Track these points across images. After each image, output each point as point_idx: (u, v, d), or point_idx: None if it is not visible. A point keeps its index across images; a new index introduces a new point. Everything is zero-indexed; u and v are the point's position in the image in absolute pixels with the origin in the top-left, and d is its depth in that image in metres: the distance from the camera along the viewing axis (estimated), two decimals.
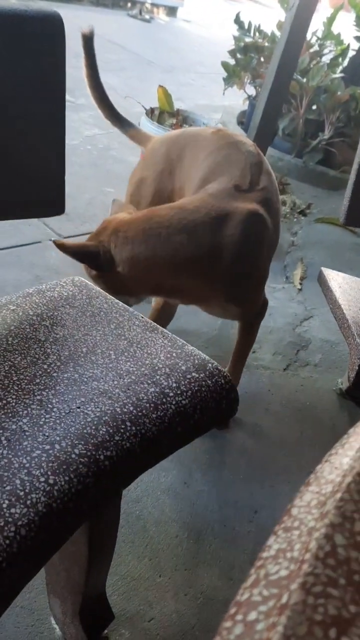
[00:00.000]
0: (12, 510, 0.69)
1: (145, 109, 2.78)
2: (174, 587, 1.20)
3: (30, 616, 1.08)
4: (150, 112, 2.76)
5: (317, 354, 2.07)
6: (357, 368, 1.13)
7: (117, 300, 1.12)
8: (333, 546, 0.27)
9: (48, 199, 1.16)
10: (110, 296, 1.13)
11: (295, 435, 1.68)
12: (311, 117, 3.52)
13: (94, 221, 2.64)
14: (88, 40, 1.70)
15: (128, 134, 1.92)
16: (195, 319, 2.05)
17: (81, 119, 3.78)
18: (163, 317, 1.65)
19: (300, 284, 2.52)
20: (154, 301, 1.67)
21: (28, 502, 0.71)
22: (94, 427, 0.82)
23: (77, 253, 1.42)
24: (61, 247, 1.36)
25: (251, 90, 3.88)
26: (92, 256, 1.42)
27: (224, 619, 0.26)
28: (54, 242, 1.35)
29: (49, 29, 1.05)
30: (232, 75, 3.80)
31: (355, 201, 1.39)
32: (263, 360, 1.99)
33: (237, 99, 4.30)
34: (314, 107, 3.55)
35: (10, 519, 0.68)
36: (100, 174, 3.10)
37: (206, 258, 1.29)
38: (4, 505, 0.69)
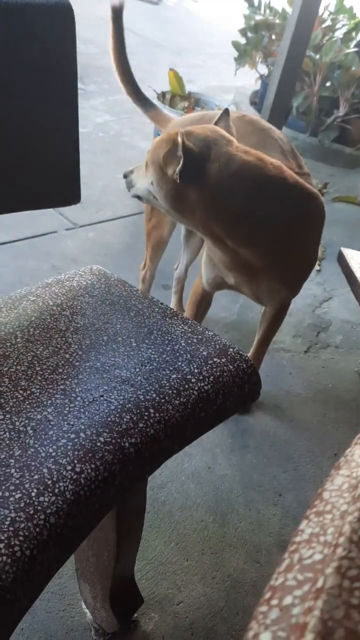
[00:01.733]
0: (41, 499, 0.70)
1: (157, 92, 2.75)
2: (201, 570, 1.21)
3: (61, 601, 1.10)
4: (161, 96, 2.73)
5: (337, 335, 2.06)
6: None
7: (136, 288, 1.12)
8: None
9: (64, 188, 1.15)
10: (129, 284, 1.13)
11: (318, 418, 1.68)
12: (325, 94, 3.46)
13: (108, 208, 2.64)
14: (117, 13, 1.66)
15: (148, 114, 1.88)
16: (214, 304, 2.04)
17: (92, 106, 3.76)
18: (202, 305, 1.59)
19: (319, 265, 2.49)
20: (194, 291, 1.58)
21: (56, 490, 0.72)
22: (117, 415, 0.83)
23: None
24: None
25: (263, 70, 3.82)
26: (191, 162, 1.17)
27: (259, 604, 0.26)
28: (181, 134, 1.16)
29: (59, 17, 1.04)
30: (243, 55, 3.75)
31: None
32: (283, 342, 1.98)
33: (249, 79, 4.24)
34: (328, 83, 3.49)
35: (39, 507, 0.69)
36: (113, 161, 3.09)
37: (282, 229, 1.27)
38: (33, 494, 0.70)
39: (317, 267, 2.47)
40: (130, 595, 1.07)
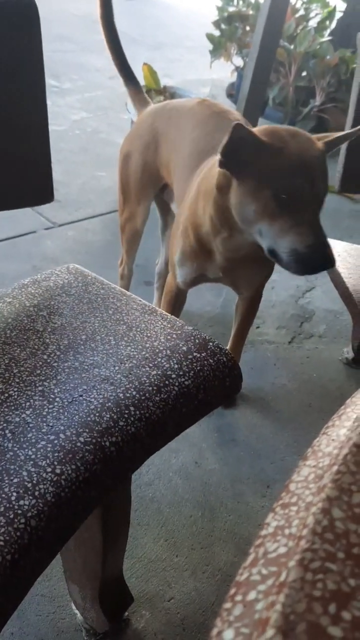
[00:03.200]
0: (21, 502, 0.69)
1: None
2: (191, 565, 1.21)
3: (50, 603, 1.10)
4: None
5: (321, 325, 2.06)
6: None
7: (113, 285, 1.11)
8: (331, 520, 0.27)
9: (35, 187, 1.14)
10: (107, 281, 1.12)
11: (304, 408, 1.68)
12: (301, 84, 3.46)
13: (87, 207, 2.63)
14: None
15: (128, 88, 1.81)
16: (197, 299, 2.04)
17: (68, 103, 3.74)
18: (178, 303, 1.55)
19: None
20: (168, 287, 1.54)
21: (36, 493, 0.71)
22: (97, 414, 0.82)
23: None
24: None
25: (238, 61, 3.81)
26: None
27: (225, 600, 0.25)
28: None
29: (23, 16, 1.03)
30: (218, 47, 3.73)
31: (348, 167, 1.36)
32: (267, 334, 1.98)
33: (225, 71, 4.24)
34: (304, 73, 3.49)
35: (19, 511, 0.68)
36: (91, 159, 3.07)
37: None
38: (13, 498, 0.69)
39: None
40: (119, 595, 1.06)
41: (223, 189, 1.18)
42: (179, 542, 1.25)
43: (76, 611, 1.08)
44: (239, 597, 0.25)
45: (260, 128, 1.14)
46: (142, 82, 2.89)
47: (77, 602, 1.06)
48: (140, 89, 1.82)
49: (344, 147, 1.39)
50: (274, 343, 1.94)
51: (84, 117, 3.59)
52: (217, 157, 1.14)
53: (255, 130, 1.13)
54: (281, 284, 2.24)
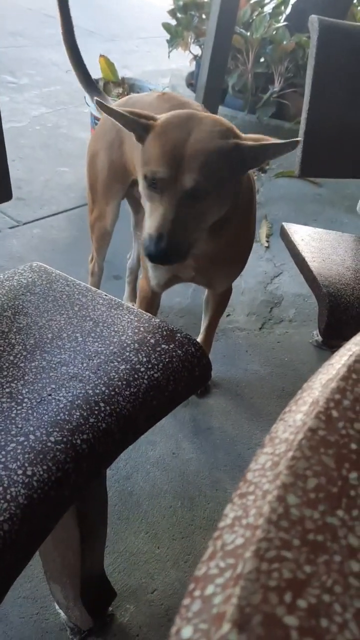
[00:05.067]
0: None
1: None
2: (173, 556, 1.21)
3: (33, 605, 1.09)
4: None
5: (290, 309, 2.08)
6: (326, 319, 1.13)
7: (78, 282, 1.10)
8: (286, 507, 0.27)
9: None
10: (71, 278, 1.11)
11: (277, 392, 1.69)
12: (259, 70, 3.47)
13: (52, 203, 2.59)
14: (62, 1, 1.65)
15: (95, 101, 1.83)
16: (167, 290, 2.03)
17: (26, 99, 3.67)
18: (154, 307, 1.53)
19: (267, 241, 2.51)
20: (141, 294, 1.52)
21: (8, 496, 0.70)
22: (67, 413, 0.81)
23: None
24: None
25: (196, 50, 3.80)
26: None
27: (184, 597, 0.25)
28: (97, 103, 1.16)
29: None
30: (175, 36, 3.71)
31: (307, 152, 1.37)
32: (238, 322, 1.99)
33: (184, 61, 4.22)
34: (262, 60, 3.49)
35: None
36: (53, 154, 3.03)
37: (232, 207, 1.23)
38: None
39: (265, 244, 2.48)
40: (102, 591, 1.06)
41: None
42: (160, 534, 1.25)
43: (59, 610, 1.07)
44: (197, 593, 0.24)
45: (169, 113, 1.14)
46: (99, 74, 2.86)
47: (60, 602, 1.06)
48: (104, 95, 1.82)
49: (301, 131, 1.40)
50: (244, 330, 1.95)
51: (44, 113, 3.54)
52: None
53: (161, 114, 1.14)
54: (249, 272, 2.25)
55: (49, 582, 1.05)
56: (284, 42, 3.33)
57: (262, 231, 2.59)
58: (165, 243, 1.06)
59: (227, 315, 2.00)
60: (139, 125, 1.13)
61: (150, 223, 1.09)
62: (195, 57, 3.82)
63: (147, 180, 1.09)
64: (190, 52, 3.81)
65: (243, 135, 1.13)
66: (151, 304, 1.49)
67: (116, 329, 0.97)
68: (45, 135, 3.24)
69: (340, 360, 0.39)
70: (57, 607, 1.08)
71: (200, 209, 1.08)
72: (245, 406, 1.63)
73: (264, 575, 0.24)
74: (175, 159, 1.06)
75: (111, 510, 1.29)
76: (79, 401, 0.83)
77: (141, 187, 1.13)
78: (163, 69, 4.59)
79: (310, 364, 1.82)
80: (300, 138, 1.43)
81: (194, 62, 3.90)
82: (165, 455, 1.44)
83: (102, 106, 1.17)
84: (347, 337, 1.38)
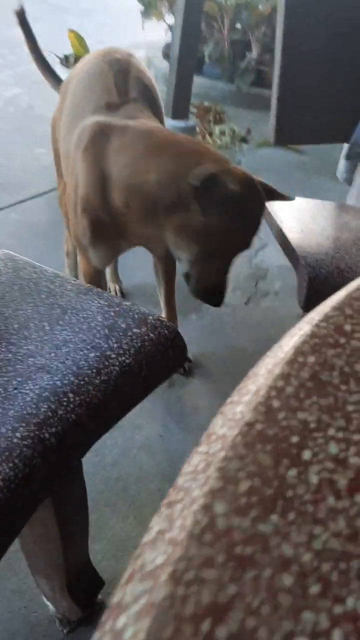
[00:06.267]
0: None
1: (59, 57, 2.62)
2: None
3: (21, 599, 1.07)
4: (64, 60, 2.60)
5: (276, 282, 2.04)
6: (305, 291, 1.09)
7: (45, 268, 1.06)
8: (212, 517, 0.24)
9: None
10: (39, 264, 1.07)
11: None
12: (236, 37, 3.38)
13: (30, 187, 2.53)
14: (21, 16, 1.64)
15: (51, 83, 1.81)
16: (142, 271, 1.99)
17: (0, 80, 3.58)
18: (102, 284, 1.49)
19: None
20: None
21: None
22: (34, 406, 0.78)
23: None
24: None
25: (171, 20, 3.69)
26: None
27: (97, 629, 0.22)
28: None
29: None
30: (149, 7, 3.61)
31: (281, 119, 1.32)
32: None
33: (160, 32, 4.10)
34: (238, 26, 3.40)
35: None
36: (29, 136, 2.95)
37: None
38: None
39: None
40: (89, 581, 1.05)
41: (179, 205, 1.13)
42: (148, 518, 1.22)
43: (48, 603, 1.05)
44: (108, 626, 0.22)
45: (237, 172, 1.16)
46: (70, 50, 2.77)
47: (47, 594, 1.04)
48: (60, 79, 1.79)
49: (274, 97, 1.34)
50: (230, 306, 1.91)
51: (18, 94, 3.45)
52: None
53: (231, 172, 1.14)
54: None
55: (35, 576, 1.03)
56: (260, 7, 3.24)
57: None
58: (223, 297, 1.34)
59: None
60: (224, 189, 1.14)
61: (209, 276, 1.27)
62: (170, 27, 3.71)
63: (219, 245, 1.22)
64: (164, 22, 3.71)
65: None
66: (99, 281, 1.42)
67: (85, 315, 0.94)
68: (19, 117, 3.16)
69: (289, 342, 0.36)
70: (44, 599, 1.06)
71: None
72: (232, 384, 1.58)
73: (179, 602, 0.21)
74: (254, 226, 1.28)
75: (97, 497, 1.27)
76: (46, 393, 0.80)
77: (197, 242, 1.17)
78: (139, 41, 4.47)
79: None
80: (273, 105, 1.38)
81: (170, 33, 3.79)
82: (152, 438, 1.42)
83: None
84: None
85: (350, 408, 0.29)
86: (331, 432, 0.27)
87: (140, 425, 1.44)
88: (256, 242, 2.26)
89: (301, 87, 1.33)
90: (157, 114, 1.29)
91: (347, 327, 0.36)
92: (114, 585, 1.10)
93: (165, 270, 1.50)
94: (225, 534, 0.23)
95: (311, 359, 0.33)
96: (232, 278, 2.09)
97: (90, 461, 1.31)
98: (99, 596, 1.08)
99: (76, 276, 1.91)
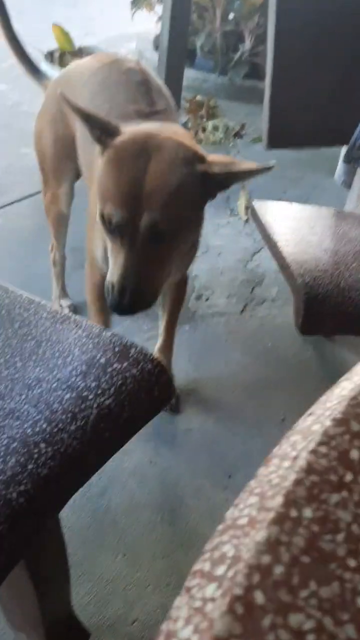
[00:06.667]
0: None
1: (44, 53, 2.51)
2: (154, 579, 1.12)
3: None
4: (49, 56, 2.50)
5: (272, 288, 1.95)
6: (303, 312, 1.01)
7: (20, 292, 0.97)
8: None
9: None
10: (12, 288, 0.98)
11: (261, 383, 1.58)
12: (228, 28, 3.26)
13: (15, 189, 2.43)
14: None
15: (43, 85, 1.71)
16: None
17: None
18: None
19: (246, 214, 2.37)
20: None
21: None
22: (0, 460, 0.69)
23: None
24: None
25: (162, 10, 3.57)
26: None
27: None
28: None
29: None
30: None
31: (274, 122, 1.23)
32: (217, 306, 1.86)
33: (150, 23, 3.98)
34: (230, 16, 3.28)
35: None
36: (14, 135, 2.85)
37: None
38: None
39: (244, 217, 2.34)
40: (72, 634, 0.97)
41: None
42: (139, 554, 1.16)
43: None
44: None
45: (127, 133, 0.97)
46: (55, 45, 2.67)
47: None
48: (43, 75, 1.69)
49: (266, 97, 1.25)
50: (225, 314, 1.82)
51: (3, 90, 3.33)
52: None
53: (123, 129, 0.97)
54: (228, 249, 2.12)
55: (13, 630, 0.95)
56: None
57: (240, 203, 2.44)
58: (129, 297, 0.95)
59: (206, 300, 1.88)
60: (103, 133, 0.97)
61: (113, 270, 0.97)
62: (160, 18, 3.59)
63: (104, 220, 0.95)
64: (155, 12, 3.59)
65: (209, 157, 0.97)
66: (102, 289, 1.32)
67: (61, 349, 0.85)
68: (5, 114, 3.05)
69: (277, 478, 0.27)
70: None
71: (166, 250, 0.96)
72: (227, 401, 1.52)
73: None
74: (133, 198, 0.92)
75: (84, 532, 1.19)
76: (15, 444, 0.71)
77: (98, 220, 0.98)
78: (129, 32, 4.34)
79: (295, 348, 1.70)
80: (266, 105, 1.29)
81: (160, 24, 3.68)
82: (142, 464, 1.33)
83: (67, 102, 1.00)
84: (326, 331, 1.24)
85: None
86: None
87: (130, 450, 1.36)
88: (252, 244, 2.19)
89: (294, 90, 1.24)
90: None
91: (355, 454, 0.27)
92: (101, 633, 1.03)
93: (171, 296, 1.40)
94: None
95: (307, 512, 0.24)
96: (227, 284, 2.02)
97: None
98: None
99: (64, 286, 1.83)
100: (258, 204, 1.31)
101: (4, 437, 0.72)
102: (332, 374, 1.58)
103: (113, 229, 0.95)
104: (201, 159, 0.96)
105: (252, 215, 1.32)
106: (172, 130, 1.02)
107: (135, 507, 1.24)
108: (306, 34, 1.19)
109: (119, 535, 1.19)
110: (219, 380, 1.58)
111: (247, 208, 2.42)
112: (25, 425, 0.73)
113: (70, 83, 1.35)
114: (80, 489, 1.29)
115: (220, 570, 0.23)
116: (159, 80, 1.28)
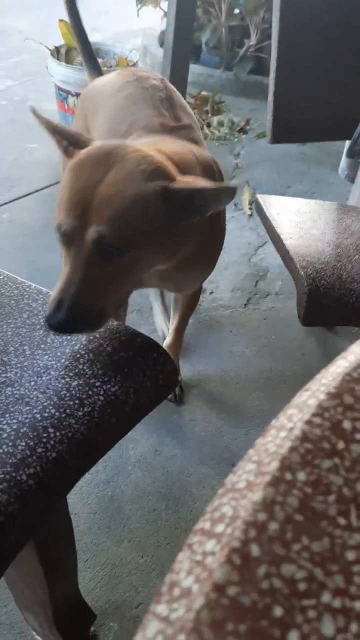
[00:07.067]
0: None
1: (50, 49, 2.53)
2: (159, 565, 1.14)
3: (10, 631, 1.02)
4: (55, 52, 2.51)
5: (276, 282, 1.97)
6: (305, 304, 1.03)
7: (29, 283, 0.99)
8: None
9: None
10: (21, 279, 1.01)
11: (265, 374, 1.60)
12: (234, 23, 3.27)
13: (22, 184, 2.46)
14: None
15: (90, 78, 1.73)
16: None
17: None
18: (123, 309, 1.40)
19: (250, 208, 2.38)
20: None
21: None
22: (11, 444, 0.72)
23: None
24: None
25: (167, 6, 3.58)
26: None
27: None
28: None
29: None
30: None
31: (278, 114, 1.24)
32: (222, 299, 1.88)
33: (156, 18, 3.99)
34: (236, 11, 3.29)
35: None
36: (21, 130, 2.87)
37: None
38: None
39: (248, 212, 2.36)
40: (79, 615, 0.99)
41: None
42: (144, 541, 1.18)
43: (37, 638, 1.00)
44: None
45: (96, 144, 0.94)
46: (61, 41, 2.68)
47: (36, 630, 0.99)
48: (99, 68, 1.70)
49: (270, 92, 1.27)
50: (229, 308, 1.84)
51: (10, 86, 3.36)
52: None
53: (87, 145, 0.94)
54: (232, 243, 2.14)
55: (22, 610, 0.98)
56: None
57: (244, 197, 2.46)
58: (65, 312, 0.85)
59: (211, 293, 1.90)
60: (72, 145, 0.95)
61: (58, 282, 0.90)
62: (165, 14, 3.60)
63: (56, 230, 0.91)
64: (160, 8, 3.60)
65: (179, 177, 0.91)
66: (117, 314, 1.28)
67: (69, 337, 0.87)
68: (11, 110, 3.07)
69: (272, 447, 0.29)
70: (34, 634, 1.01)
71: (115, 268, 0.89)
72: (231, 392, 1.54)
73: None
74: (82, 207, 0.86)
75: (90, 519, 1.22)
76: (24, 429, 0.74)
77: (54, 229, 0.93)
78: (135, 28, 4.35)
79: (298, 341, 1.72)
80: (270, 100, 1.30)
81: (165, 20, 3.68)
82: (148, 453, 1.36)
83: (36, 115, 1.02)
84: (329, 322, 1.27)
85: (350, 557, 0.23)
86: (325, 598, 0.21)
87: (134, 439, 1.38)
88: (256, 238, 2.20)
89: (299, 84, 1.25)
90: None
91: (347, 425, 0.29)
92: (107, 616, 1.06)
93: (185, 303, 1.40)
94: None
95: (301, 476, 0.26)
96: (232, 278, 2.04)
97: (83, 479, 1.26)
98: (92, 628, 1.03)
99: None
100: (262, 198, 1.33)
101: (14, 422, 0.74)
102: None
103: (61, 238, 0.90)
104: (168, 177, 0.90)
105: (257, 209, 1.34)
106: (187, 149, 1.01)
107: (140, 496, 1.27)
108: (313, 26, 1.20)
109: (123, 522, 1.21)
110: (223, 371, 1.60)
111: (251, 203, 2.43)
112: (35, 411, 0.76)
113: (95, 98, 1.37)
114: (87, 477, 1.32)
115: (219, 528, 0.25)
116: (182, 98, 1.29)
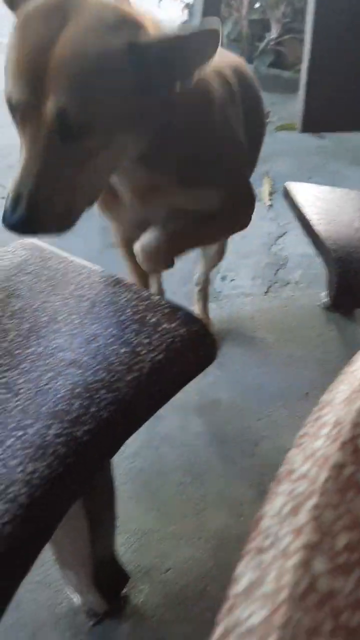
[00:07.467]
0: None
1: None
2: (186, 533, 1.19)
3: (46, 590, 1.08)
4: None
5: (296, 271, 2.01)
6: (336, 285, 1.07)
7: (72, 258, 1.04)
8: (313, 578, 0.22)
9: None
10: (65, 254, 1.05)
11: (285, 359, 1.65)
12: (255, 17, 3.30)
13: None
14: None
15: None
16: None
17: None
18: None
19: (270, 199, 2.42)
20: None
21: (9, 496, 0.67)
22: (67, 403, 0.77)
23: None
24: None
25: None
26: None
27: None
28: None
29: None
30: None
31: (310, 103, 1.28)
32: (243, 287, 1.93)
33: (176, 10, 4.01)
34: (257, 5, 3.31)
35: None
36: None
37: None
38: None
39: (267, 202, 2.40)
40: (115, 575, 1.05)
41: None
42: (171, 511, 1.23)
43: (73, 595, 1.06)
44: None
45: None
46: None
47: (74, 587, 1.05)
48: None
49: (303, 81, 1.30)
50: (250, 295, 1.89)
51: None
52: None
53: None
54: (252, 233, 2.18)
55: (61, 568, 1.03)
56: None
57: (264, 189, 2.50)
58: (24, 209, 0.72)
59: (231, 281, 1.95)
60: (9, 2, 0.74)
61: (15, 173, 0.73)
62: (186, 5, 3.63)
63: (8, 104, 0.72)
64: (181, 0, 3.63)
65: (157, 30, 0.74)
66: (131, 254, 1.17)
67: (115, 309, 0.92)
68: None
69: None
70: (70, 591, 1.06)
71: (81, 152, 0.73)
72: (253, 375, 1.59)
73: None
74: (35, 72, 0.68)
75: (120, 489, 1.26)
76: (78, 389, 0.78)
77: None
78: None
79: (318, 328, 1.76)
80: (302, 89, 1.34)
81: (186, 11, 3.71)
82: (174, 429, 1.41)
83: None
84: (358, 305, 1.30)
85: None
86: None
87: (161, 416, 1.43)
88: (276, 228, 2.24)
89: (332, 73, 1.29)
90: None
91: None
92: (138, 579, 1.11)
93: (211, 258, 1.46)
94: (329, 596, 0.21)
95: None
96: (252, 266, 2.08)
97: None
98: (124, 589, 1.08)
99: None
100: (290, 185, 1.37)
101: (67, 384, 0.79)
102: (355, 353, 1.64)
103: (14, 113, 0.72)
104: (136, 27, 0.72)
105: (285, 195, 1.38)
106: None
107: (167, 470, 1.32)
108: (349, 15, 1.22)
109: (152, 493, 1.26)
110: (245, 355, 1.65)
111: (271, 194, 2.47)
112: (86, 374, 0.81)
113: None
114: None
115: (324, 431, 0.30)
116: None
